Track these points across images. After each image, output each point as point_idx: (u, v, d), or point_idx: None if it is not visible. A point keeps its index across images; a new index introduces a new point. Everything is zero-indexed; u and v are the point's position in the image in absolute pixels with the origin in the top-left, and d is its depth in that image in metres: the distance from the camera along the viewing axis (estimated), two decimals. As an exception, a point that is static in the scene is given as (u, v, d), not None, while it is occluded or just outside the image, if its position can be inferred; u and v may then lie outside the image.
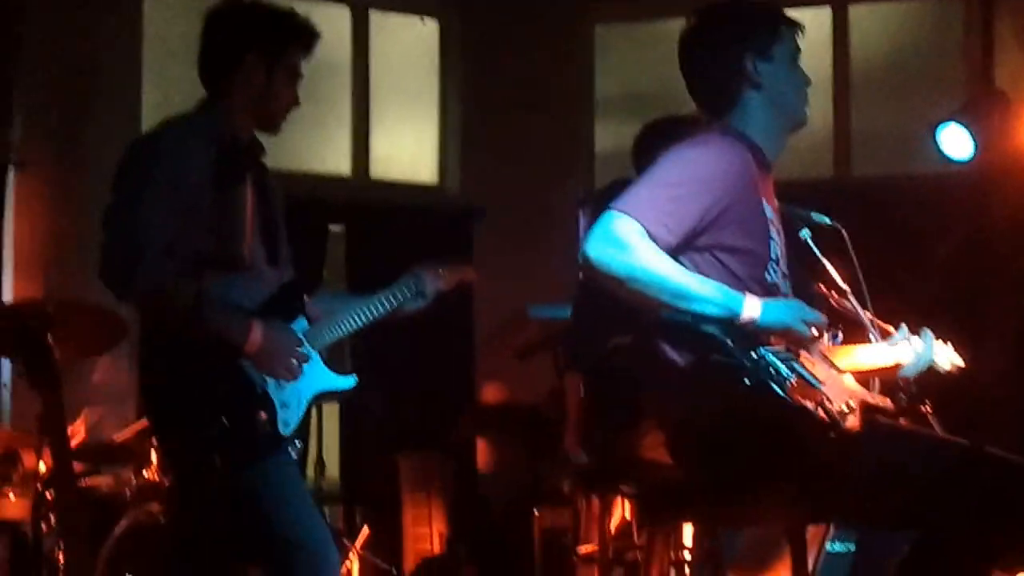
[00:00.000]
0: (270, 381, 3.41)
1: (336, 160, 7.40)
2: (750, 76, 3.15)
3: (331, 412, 6.58)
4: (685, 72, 3.25)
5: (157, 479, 4.80)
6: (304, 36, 3.61)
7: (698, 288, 2.90)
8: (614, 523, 4.55)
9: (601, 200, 5.01)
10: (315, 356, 3.56)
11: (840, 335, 3.33)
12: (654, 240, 2.89)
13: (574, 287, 4.92)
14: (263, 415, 3.36)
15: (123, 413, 5.34)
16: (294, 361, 3.45)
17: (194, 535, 3.53)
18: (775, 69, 3.18)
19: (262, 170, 3.62)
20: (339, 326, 3.65)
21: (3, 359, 5.56)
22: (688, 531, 4.10)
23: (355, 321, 3.68)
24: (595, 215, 4.84)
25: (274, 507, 3.34)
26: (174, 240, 3.28)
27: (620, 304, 3.03)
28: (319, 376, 3.56)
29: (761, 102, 3.18)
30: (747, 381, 2.75)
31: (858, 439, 2.72)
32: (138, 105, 6.59)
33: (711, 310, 2.89)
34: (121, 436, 5.42)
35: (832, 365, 3.01)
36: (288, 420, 3.42)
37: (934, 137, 6.11)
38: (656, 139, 4.21)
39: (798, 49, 3.24)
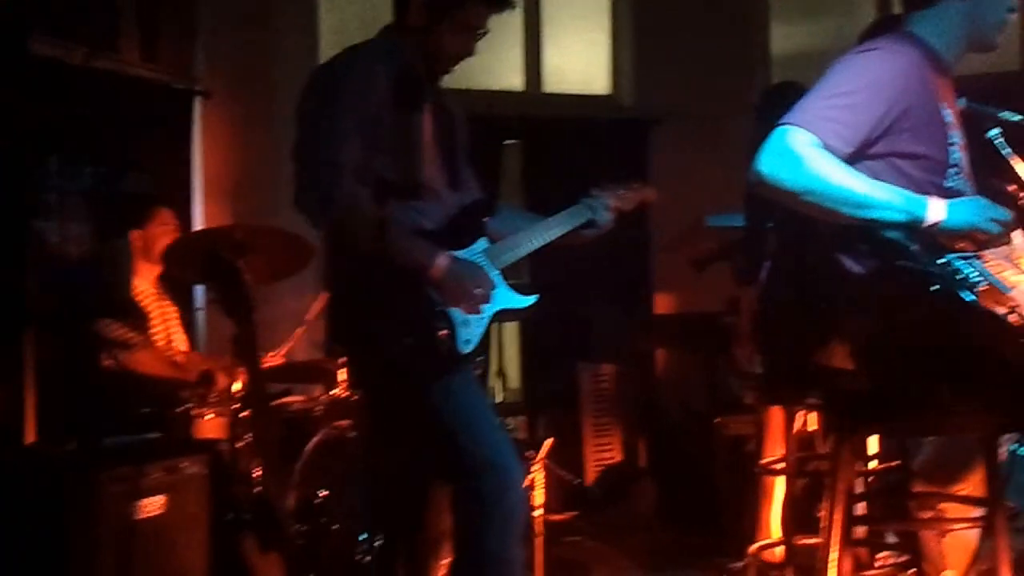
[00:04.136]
0: None
1: (509, 75, 7.43)
2: None
3: (511, 324, 6.68)
4: None
5: (346, 396, 4.92)
6: None
7: (879, 195, 2.88)
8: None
9: (768, 103, 4.95)
10: (496, 275, 3.60)
11: None
12: (829, 151, 2.88)
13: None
14: (444, 332, 3.41)
15: (310, 335, 5.47)
16: (477, 296, 3.48)
17: (383, 451, 3.61)
18: None
19: (440, 96, 3.64)
20: (519, 247, 3.68)
21: (197, 285, 5.76)
22: (874, 441, 4.08)
23: (535, 242, 3.70)
24: (761, 118, 4.79)
25: (459, 424, 3.41)
26: (360, 163, 3.35)
27: (794, 216, 3.01)
28: (500, 295, 3.60)
29: (961, 11, 3.13)
30: (934, 288, 2.74)
31: None
32: (315, 31, 6.69)
33: (894, 216, 2.87)
34: (309, 356, 5.61)
35: (1021, 270, 2.95)
36: (469, 338, 3.47)
37: None
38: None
39: None
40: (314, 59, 6.22)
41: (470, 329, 3.48)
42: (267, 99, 6.21)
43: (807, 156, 2.85)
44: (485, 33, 3.59)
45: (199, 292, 5.87)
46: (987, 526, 3.07)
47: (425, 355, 3.37)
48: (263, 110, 6.20)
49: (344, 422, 4.81)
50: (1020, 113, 3.79)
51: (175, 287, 5.46)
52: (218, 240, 4.09)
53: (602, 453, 6.93)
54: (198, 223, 6.07)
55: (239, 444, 4.35)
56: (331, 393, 5.00)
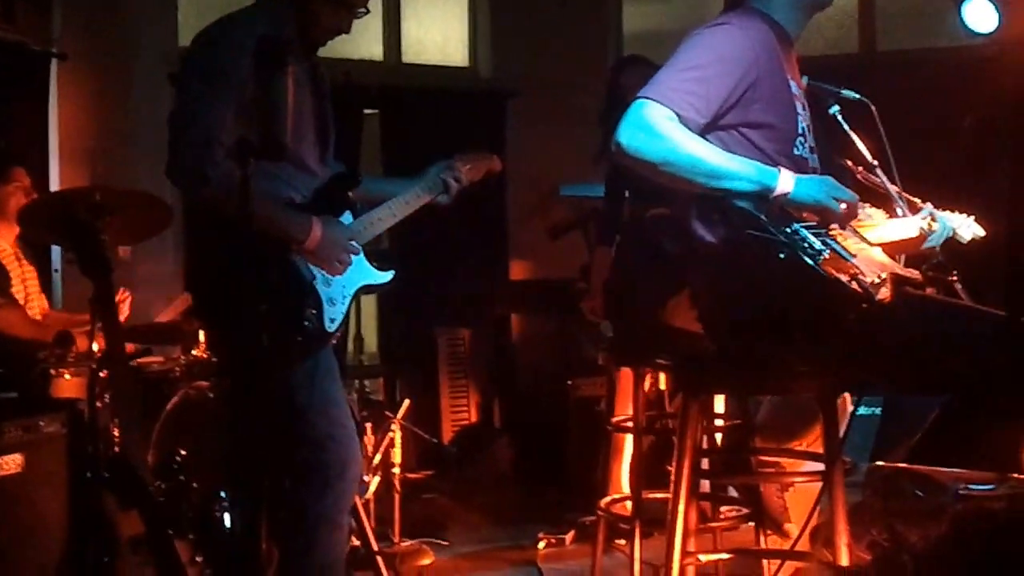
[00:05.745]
0: (319, 278, 3.50)
1: (369, 45, 7.44)
2: None
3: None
4: None
5: (205, 357, 4.94)
6: None
7: (732, 166, 2.97)
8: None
9: (616, 76, 5.06)
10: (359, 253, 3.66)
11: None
12: (684, 123, 2.96)
13: (604, 167, 5.00)
14: (312, 311, 3.46)
15: (169, 295, 5.47)
16: (346, 256, 3.54)
17: (241, 415, 3.64)
18: None
19: (316, 68, 3.67)
20: (379, 222, 3.73)
21: (54, 246, 5.69)
22: (720, 400, 4.22)
23: (392, 217, 3.76)
24: (611, 92, 4.90)
25: (314, 401, 3.46)
26: (233, 138, 3.29)
27: (648, 185, 3.10)
28: (362, 272, 3.66)
29: None
30: (781, 255, 2.83)
31: (890, 309, 2.79)
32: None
33: (745, 187, 2.97)
34: (166, 317, 5.59)
35: (862, 239, 3.09)
36: (334, 317, 3.52)
37: (959, 11, 6.07)
38: None
39: None
40: (172, 23, 6.19)
41: (335, 308, 3.52)
42: (124, 62, 6.16)
43: (664, 128, 2.93)
44: (365, 12, 3.62)
45: (56, 253, 5.81)
46: (824, 480, 3.17)
47: (292, 334, 3.41)
48: (121, 72, 6.14)
49: (203, 383, 4.82)
50: (859, 93, 3.97)
51: (33, 248, 5.39)
52: (76, 201, 4.03)
53: (458, 414, 7.06)
54: (55, 185, 5.96)
55: (98, 403, 4.32)
56: (191, 354, 5.02)
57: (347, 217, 3.66)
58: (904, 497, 3.32)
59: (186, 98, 3.42)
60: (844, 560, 3.08)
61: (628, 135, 2.96)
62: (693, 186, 2.99)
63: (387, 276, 3.76)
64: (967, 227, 3.77)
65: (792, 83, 3.21)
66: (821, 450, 3.31)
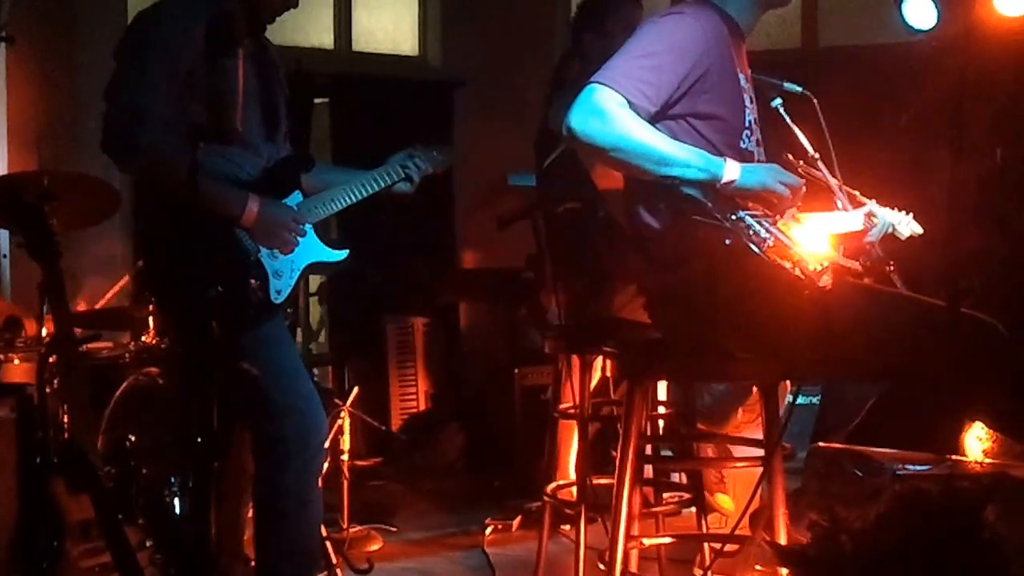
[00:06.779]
0: (263, 251, 3.54)
1: (319, 34, 7.46)
2: None
3: (318, 277, 6.75)
4: None
5: (155, 343, 4.94)
6: None
7: (680, 154, 3.01)
8: (594, 381, 4.69)
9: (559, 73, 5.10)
10: (308, 229, 3.68)
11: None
12: (635, 109, 3.00)
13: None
14: (255, 283, 3.50)
15: (117, 281, 5.46)
16: (290, 235, 3.57)
17: (191, 397, 3.65)
18: None
19: (261, 48, 3.69)
20: (332, 202, 3.76)
21: (2, 230, 5.66)
22: (663, 386, 4.28)
23: (348, 198, 3.79)
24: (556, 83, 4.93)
25: (267, 371, 3.45)
26: (172, 111, 3.38)
27: (582, 171, 3.15)
28: (312, 248, 3.70)
29: None
30: (727, 241, 2.89)
31: (832, 297, 2.84)
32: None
33: (693, 174, 3.00)
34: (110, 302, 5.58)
35: (805, 228, 3.14)
36: (281, 289, 3.57)
37: (899, 7, 6.15)
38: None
39: None
40: (122, 7, 6.16)
41: (281, 281, 3.57)
42: (72, 45, 6.13)
43: (615, 114, 2.96)
44: None
45: (5, 237, 5.78)
46: (764, 465, 3.24)
47: (236, 305, 3.43)
48: (69, 56, 6.11)
49: (153, 369, 4.81)
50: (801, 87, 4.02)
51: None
52: (24, 185, 4.01)
53: (407, 401, 7.09)
54: (2, 169, 5.89)
55: (48, 388, 4.32)
56: (140, 340, 5.01)
57: (296, 197, 3.69)
58: (843, 478, 3.38)
59: (121, 71, 3.46)
60: (783, 540, 3.14)
61: (580, 120, 2.99)
62: (642, 172, 3.03)
63: (340, 255, 3.79)
64: (906, 224, 3.83)
65: (741, 76, 3.25)
66: (757, 433, 3.37)
